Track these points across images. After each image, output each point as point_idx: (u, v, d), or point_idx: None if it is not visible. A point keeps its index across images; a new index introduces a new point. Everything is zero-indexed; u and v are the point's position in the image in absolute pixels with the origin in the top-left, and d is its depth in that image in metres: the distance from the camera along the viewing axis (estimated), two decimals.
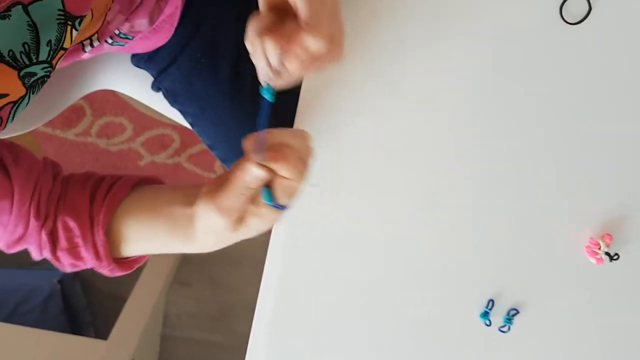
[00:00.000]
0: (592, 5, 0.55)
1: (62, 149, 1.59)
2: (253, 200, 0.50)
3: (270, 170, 0.48)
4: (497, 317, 0.60)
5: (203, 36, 0.78)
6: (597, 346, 0.60)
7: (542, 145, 0.58)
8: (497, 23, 0.56)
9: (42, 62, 0.51)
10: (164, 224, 0.57)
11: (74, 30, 0.53)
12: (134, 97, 0.89)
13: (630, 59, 0.56)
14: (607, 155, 0.57)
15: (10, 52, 0.48)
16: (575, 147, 0.57)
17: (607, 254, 0.58)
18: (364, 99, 0.59)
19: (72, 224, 0.59)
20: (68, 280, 1.62)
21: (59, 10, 0.49)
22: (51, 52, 0.51)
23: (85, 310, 1.66)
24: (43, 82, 0.53)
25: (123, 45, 0.71)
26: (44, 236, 0.60)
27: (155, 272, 1.46)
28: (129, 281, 1.46)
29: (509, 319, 0.60)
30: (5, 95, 0.50)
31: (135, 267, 0.65)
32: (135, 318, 1.35)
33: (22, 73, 0.50)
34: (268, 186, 0.48)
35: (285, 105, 0.71)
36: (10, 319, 1.50)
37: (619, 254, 0.58)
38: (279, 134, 0.49)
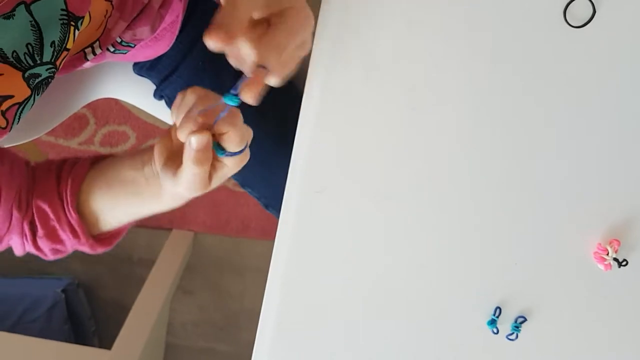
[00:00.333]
0: (596, 8, 0.54)
1: None
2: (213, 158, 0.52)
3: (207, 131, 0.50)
4: (505, 325, 0.59)
5: (205, 44, 0.78)
6: (606, 353, 0.60)
7: (548, 151, 0.57)
8: (500, 25, 0.56)
9: (47, 63, 0.51)
10: (130, 190, 0.57)
11: (76, 31, 0.53)
12: (137, 105, 0.89)
13: (635, 62, 0.55)
14: (613, 160, 0.57)
15: (14, 53, 0.48)
16: (581, 152, 0.57)
17: (615, 259, 0.57)
18: (365, 102, 0.59)
19: (44, 206, 0.59)
20: (72, 290, 1.62)
21: (62, 10, 0.49)
22: (55, 53, 0.51)
23: (89, 319, 1.66)
24: (47, 84, 0.53)
25: (125, 53, 0.71)
26: (25, 226, 0.60)
27: (159, 281, 1.46)
28: (133, 290, 1.46)
29: (516, 326, 0.59)
30: (11, 97, 0.50)
31: (114, 242, 0.65)
32: (140, 327, 1.35)
33: (26, 74, 0.50)
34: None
35: (287, 105, 0.71)
36: (15, 328, 1.51)
37: (628, 260, 0.57)
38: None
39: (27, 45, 0.48)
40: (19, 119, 0.52)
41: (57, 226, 0.59)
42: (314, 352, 0.62)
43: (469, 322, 0.60)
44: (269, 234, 0.61)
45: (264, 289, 0.61)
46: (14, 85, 0.49)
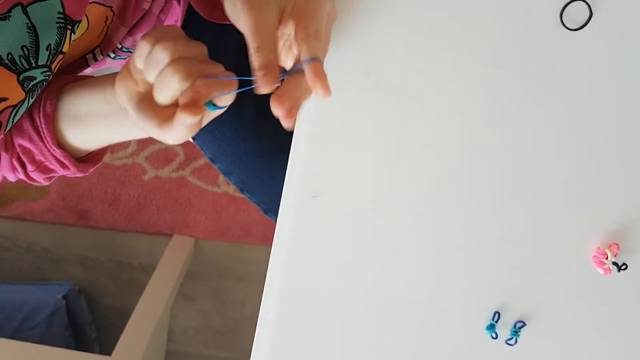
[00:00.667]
0: (593, 11, 0.54)
1: None
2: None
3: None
4: (504, 330, 0.59)
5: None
6: (606, 358, 0.59)
7: (546, 154, 0.57)
8: (497, 28, 0.56)
9: (42, 66, 0.51)
10: (101, 115, 0.55)
11: (72, 35, 0.53)
12: None
13: (633, 64, 0.55)
14: (612, 163, 0.57)
15: (9, 55, 0.48)
16: (579, 155, 0.57)
17: (614, 263, 0.57)
18: (361, 107, 0.59)
19: (27, 145, 0.58)
20: (73, 296, 1.62)
21: (59, 13, 0.49)
22: (50, 56, 0.51)
23: (90, 325, 1.66)
24: (42, 87, 0.53)
25: (125, 59, 0.71)
26: (14, 162, 0.60)
27: (160, 287, 1.46)
28: (134, 296, 1.46)
29: (515, 331, 0.59)
30: (5, 99, 0.50)
31: (103, 156, 0.64)
32: (140, 333, 1.35)
33: (21, 77, 0.50)
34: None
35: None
36: (16, 334, 1.50)
37: (627, 264, 0.57)
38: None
39: (22, 48, 0.48)
40: (12, 121, 0.52)
41: (45, 160, 0.59)
42: (312, 358, 0.62)
43: (468, 327, 0.59)
44: (270, 239, 0.61)
45: None
46: (9, 87, 0.49)
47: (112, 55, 0.69)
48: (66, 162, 0.59)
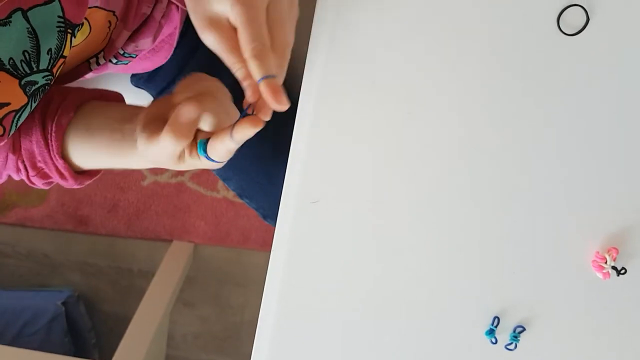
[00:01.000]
0: (590, 16, 0.54)
1: None
2: (192, 147, 0.51)
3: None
4: (503, 335, 0.59)
5: (202, 56, 0.79)
6: None
7: (545, 159, 0.57)
8: (495, 33, 0.56)
9: (43, 70, 0.51)
10: (108, 141, 0.56)
11: (73, 39, 0.53)
12: None
13: (630, 69, 0.55)
14: (611, 168, 0.57)
15: (11, 60, 0.48)
16: (578, 160, 0.57)
17: (614, 268, 0.57)
18: (359, 112, 0.59)
19: (32, 148, 0.59)
20: (72, 302, 1.61)
21: (59, 17, 0.49)
22: (51, 61, 0.51)
23: (89, 331, 1.66)
24: (44, 91, 0.53)
25: (126, 64, 0.72)
26: (20, 164, 0.60)
27: (159, 293, 1.46)
28: (134, 302, 1.46)
29: (515, 336, 0.59)
30: (7, 104, 0.50)
31: (101, 171, 0.65)
32: (140, 339, 1.34)
33: (23, 82, 0.50)
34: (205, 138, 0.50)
35: (284, 116, 0.71)
36: (16, 341, 1.50)
37: (626, 268, 0.57)
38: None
39: (23, 53, 0.48)
40: (16, 126, 0.52)
41: (45, 167, 0.60)
42: None
43: (468, 332, 0.59)
44: (270, 245, 0.61)
45: None
46: (11, 92, 0.49)
47: (114, 60, 0.69)
48: (65, 173, 0.59)
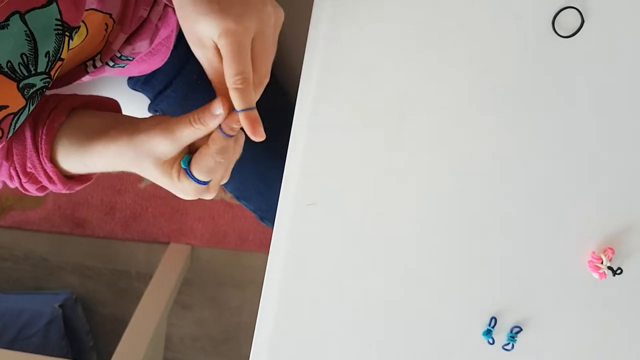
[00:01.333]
0: (584, 18, 0.55)
1: None
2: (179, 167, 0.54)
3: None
4: (500, 335, 0.59)
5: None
6: None
7: (541, 160, 0.57)
8: (489, 35, 0.56)
9: (41, 73, 0.51)
10: (95, 147, 0.56)
11: (70, 41, 0.53)
12: None
13: (624, 70, 0.55)
14: (606, 168, 0.57)
15: (9, 63, 0.48)
16: (573, 161, 0.57)
17: (610, 268, 0.57)
18: (357, 115, 0.59)
19: (24, 152, 0.59)
20: (69, 305, 1.61)
21: (57, 20, 0.50)
22: (49, 63, 0.51)
23: (87, 334, 1.66)
24: (42, 93, 0.54)
25: (123, 67, 0.72)
26: (12, 172, 0.60)
27: (157, 295, 1.46)
28: (131, 304, 1.46)
29: (512, 336, 0.59)
30: (5, 107, 0.50)
31: (93, 177, 0.64)
32: (137, 342, 1.34)
33: (21, 84, 0.50)
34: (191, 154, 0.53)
35: (281, 118, 0.72)
36: (13, 344, 1.50)
37: (622, 268, 0.57)
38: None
39: (21, 56, 0.48)
40: (14, 129, 0.52)
41: (35, 172, 0.59)
42: None
43: (465, 333, 0.59)
44: (267, 246, 0.61)
45: None
46: (9, 95, 0.49)
47: (111, 63, 0.69)
48: (54, 177, 0.59)
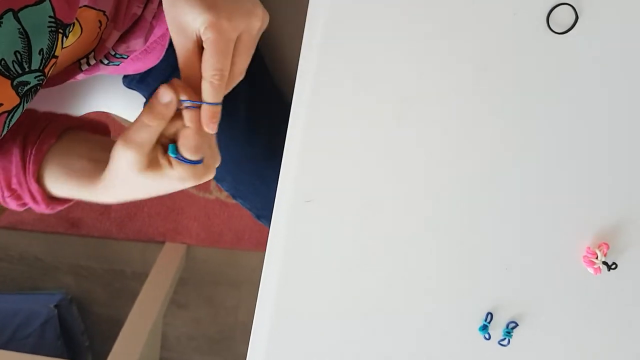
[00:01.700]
0: (578, 14, 0.55)
1: None
2: (167, 158, 0.52)
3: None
4: (497, 331, 0.60)
5: None
6: (598, 356, 0.60)
7: (536, 155, 0.58)
8: (484, 32, 0.57)
9: (35, 70, 0.51)
10: (82, 173, 0.56)
11: (64, 39, 0.53)
12: (127, 118, 0.89)
13: (619, 66, 0.56)
14: (601, 163, 0.57)
15: (3, 61, 0.48)
16: (569, 156, 0.57)
17: (604, 263, 0.57)
18: (353, 112, 0.59)
19: (11, 168, 0.58)
20: (65, 305, 1.61)
21: (50, 17, 0.49)
22: (43, 61, 0.51)
23: (82, 334, 1.65)
24: (36, 91, 0.54)
25: (118, 65, 0.72)
26: None
27: (152, 295, 1.46)
28: (127, 304, 1.45)
29: (508, 332, 0.59)
30: (0, 105, 0.50)
31: (73, 200, 0.65)
32: (133, 341, 1.34)
33: (15, 82, 0.50)
34: (175, 142, 0.52)
35: (277, 116, 0.72)
36: (9, 344, 1.50)
37: (617, 263, 0.58)
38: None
39: (15, 53, 0.48)
40: (8, 127, 0.52)
41: (19, 189, 0.59)
42: None
43: (461, 328, 0.60)
44: (263, 245, 0.61)
45: None
46: (3, 93, 0.49)
47: (105, 61, 0.69)
48: (38, 197, 0.59)
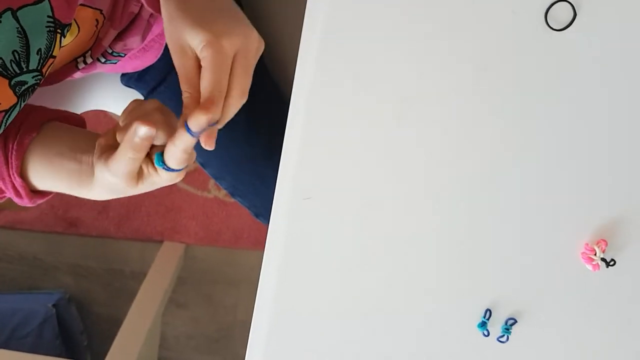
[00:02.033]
0: (577, 11, 0.55)
1: None
2: (150, 161, 0.52)
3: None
4: (495, 327, 0.60)
5: None
6: (597, 353, 0.60)
7: (534, 153, 0.58)
8: (482, 30, 0.57)
9: (33, 70, 0.51)
10: (67, 170, 0.56)
11: (62, 38, 0.53)
12: None
13: (616, 63, 0.56)
14: (600, 160, 0.57)
15: (0, 61, 0.48)
16: (567, 153, 0.57)
17: (603, 259, 0.57)
18: (352, 110, 0.59)
19: None
20: (63, 304, 1.61)
21: (49, 17, 0.50)
22: (41, 60, 0.51)
23: (81, 333, 1.65)
24: (33, 90, 0.54)
25: (115, 63, 0.71)
26: None
27: (151, 294, 1.45)
28: (125, 303, 1.45)
29: (507, 328, 0.59)
30: None
31: (53, 193, 0.64)
32: (132, 341, 1.34)
33: (12, 82, 0.50)
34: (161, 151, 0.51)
35: (276, 114, 0.72)
36: (7, 344, 1.49)
37: (615, 260, 0.58)
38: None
39: (13, 53, 0.48)
40: (5, 126, 0.52)
41: (1, 183, 0.59)
42: None
43: (460, 325, 0.60)
44: (262, 244, 0.61)
45: None
46: (1, 92, 0.49)
47: (103, 59, 0.69)
48: (22, 192, 0.58)
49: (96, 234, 1.66)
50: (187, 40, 0.49)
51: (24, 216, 1.67)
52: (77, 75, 0.69)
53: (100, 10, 0.61)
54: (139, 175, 0.52)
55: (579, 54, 0.56)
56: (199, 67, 0.50)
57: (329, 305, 0.61)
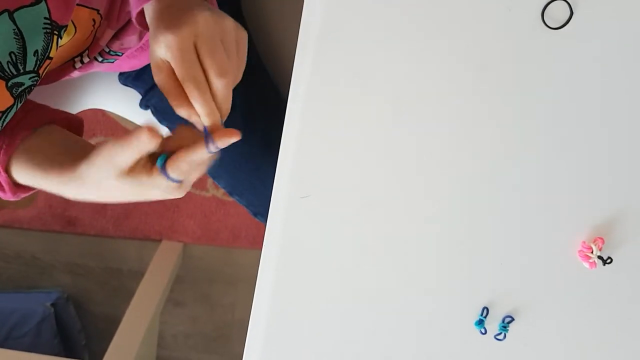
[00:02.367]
0: (573, 10, 0.55)
1: None
2: (149, 167, 0.50)
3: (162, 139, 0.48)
4: (493, 325, 0.60)
5: None
6: (594, 350, 0.60)
7: (532, 151, 0.58)
8: (479, 28, 0.57)
9: (30, 72, 0.51)
10: (56, 172, 0.54)
11: (59, 40, 0.53)
12: (123, 115, 0.89)
13: (612, 62, 0.56)
14: (597, 158, 0.57)
15: None
16: (563, 152, 0.58)
17: (600, 257, 0.58)
18: (349, 108, 0.59)
19: None
20: (61, 303, 1.61)
21: (46, 18, 0.50)
22: (38, 62, 0.51)
23: (79, 332, 1.65)
24: (30, 91, 0.53)
25: (112, 62, 0.71)
26: None
27: (149, 293, 1.45)
28: (123, 302, 1.45)
29: (504, 326, 0.59)
30: None
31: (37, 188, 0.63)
32: (130, 339, 1.34)
33: (9, 83, 0.50)
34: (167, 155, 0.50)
35: (274, 113, 0.72)
36: (5, 343, 1.49)
37: (612, 258, 0.58)
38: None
39: (10, 54, 0.48)
40: (1, 126, 0.52)
41: None
42: None
43: (457, 323, 0.60)
44: (260, 243, 0.61)
45: None
46: None
47: (100, 59, 0.69)
48: (6, 186, 0.58)
49: (94, 232, 1.65)
50: (158, 53, 0.50)
51: (22, 215, 1.67)
52: (75, 74, 0.69)
53: (97, 10, 0.61)
54: (131, 170, 0.51)
55: (576, 52, 0.56)
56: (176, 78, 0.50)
57: (327, 304, 0.61)
